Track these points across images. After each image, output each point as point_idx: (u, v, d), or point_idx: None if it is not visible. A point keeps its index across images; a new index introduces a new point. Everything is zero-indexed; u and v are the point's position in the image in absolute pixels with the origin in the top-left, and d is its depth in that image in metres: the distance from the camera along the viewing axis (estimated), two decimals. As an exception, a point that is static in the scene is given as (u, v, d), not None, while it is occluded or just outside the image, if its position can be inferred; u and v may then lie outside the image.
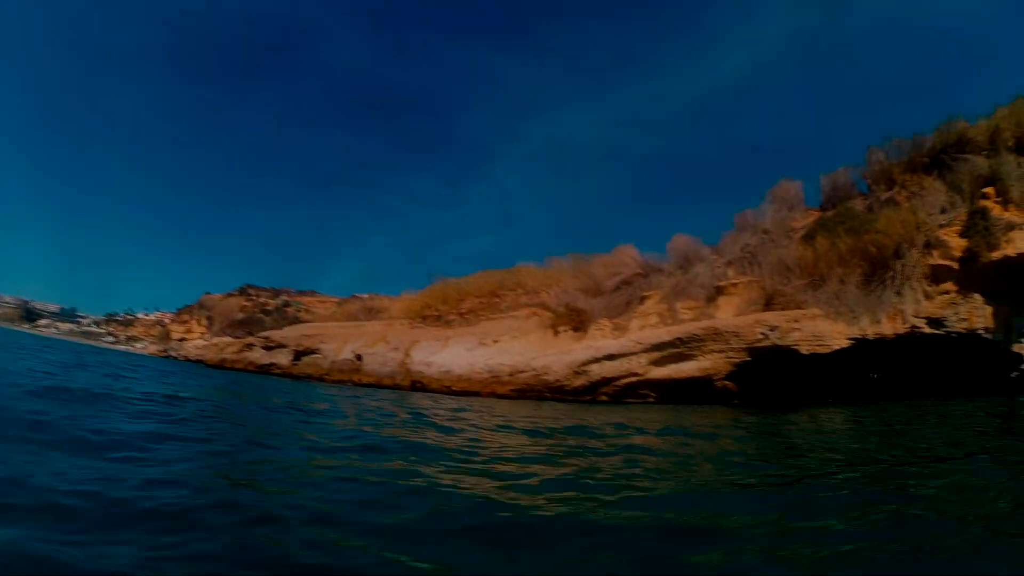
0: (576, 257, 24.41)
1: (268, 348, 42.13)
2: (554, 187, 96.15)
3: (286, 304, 59.24)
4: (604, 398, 19.98)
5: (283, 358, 39.86)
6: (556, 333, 21.31)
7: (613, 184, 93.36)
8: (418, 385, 27.10)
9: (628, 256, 22.19)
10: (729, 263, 19.35)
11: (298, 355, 39.18)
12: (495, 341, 23.08)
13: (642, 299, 20.29)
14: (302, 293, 62.48)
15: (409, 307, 29.02)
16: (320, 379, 34.36)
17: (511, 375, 22.28)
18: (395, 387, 28.42)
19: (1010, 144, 19.89)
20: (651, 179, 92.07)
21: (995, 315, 16.94)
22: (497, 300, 24.18)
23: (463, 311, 25.16)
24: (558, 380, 20.63)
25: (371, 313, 34.78)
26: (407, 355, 28.45)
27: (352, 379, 31.98)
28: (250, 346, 44.82)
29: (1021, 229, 17.34)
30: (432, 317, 27.12)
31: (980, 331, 16.74)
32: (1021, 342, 16.71)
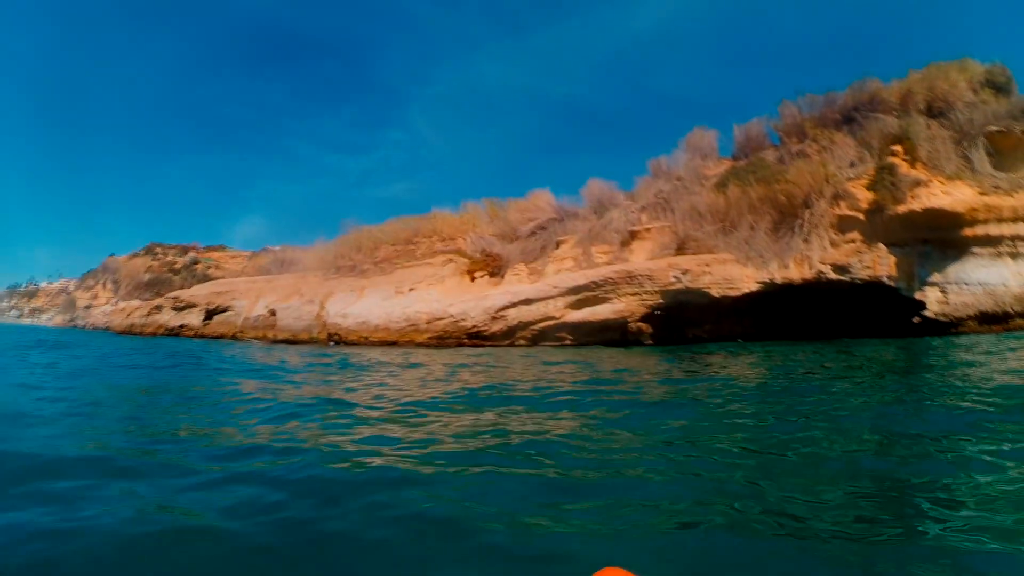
0: (491, 202, 24.11)
1: (178, 309, 39.37)
2: (469, 132, 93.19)
3: (195, 261, 54.75)
4: (522, 342, 20.30)
5: (194, 318, 37.46)
6: (473, 279, 21.16)
7: (528, 130, 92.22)
8: (335, 338, 26.23)
9: (543, 201, 22.16)
10: (643, 208, 19.82)
11: (209, 314, 36.92)
12: (411, 289, 22.58)
13: (557, 244, 20.47)
14: (211, 248, 57.80)
15: (323, 258, 27.63)
16: (234, 337, 32.64)
17: (429, 323, 22.03)
18: (311, 341, 27.39)
19: (921, 107, 21.15)
20: (567, 126, 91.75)
21: (898, 264, 18.29)
22: (412, 247, 23.50)
23: (378, 260, 24.29)
24: (476, 326, 20.66)
25: (284, 266, 32.88)
26: (322, 307, 27.33)
27: (267, 335, 30.48)
28: (159, 308, 41.66)
29: (927, 186, 18.73)
30: (347, 267, 26.01)
31: (884, 279, 18.14)
32: (923, 290, 18.21)
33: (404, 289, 23.16)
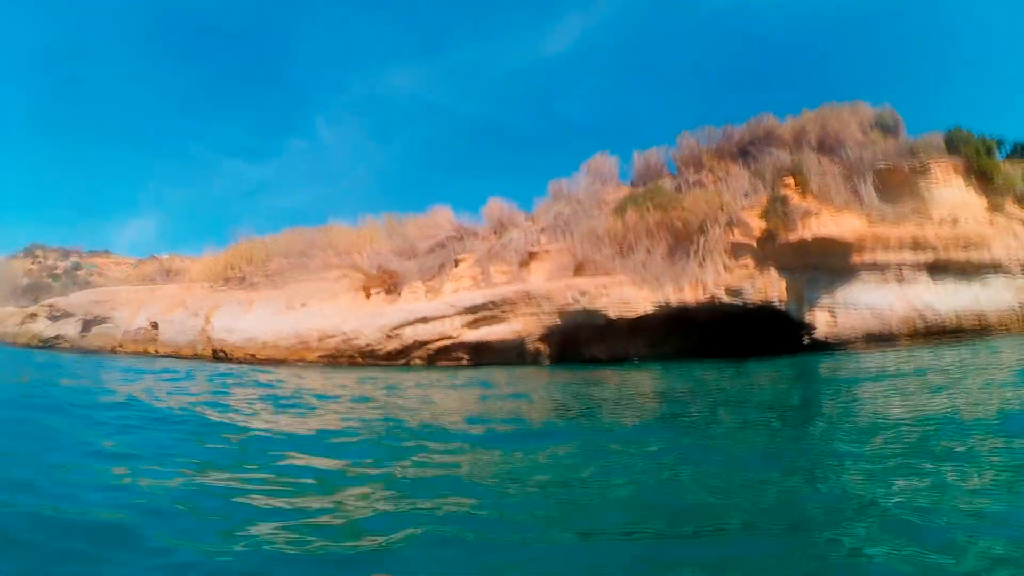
0: (390, 217, 22.90)
1: (54, 318, 35.22)
2: (373, 145, 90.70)
3: (76, 267, 49.42)
4: (418, 361, 18.98)
5: (71, 329, 33.58)
6: (368, 296, 19.71)
7: (433, 147, 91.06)
8: (220, 354, 23.87)
9: (443, 218, 21.20)
10: (542, 230, 19.27)
11: (87, 325, 33.22)
12: (303, 304, 20.79)
13: (456, 262, 19.46)
14: (95, 253, 52.45)
15: (211, 268, 25.24)
16: (113, 351, 29.43)
17: (320, 340, 20.30)
18: (195, 357, 24.83)
19: (813, 143, 22.04)
20: (471, 144, 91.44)
21: (789, 288, 18.72)
22: (306, 260, 21.75)
23: (270, 272, 22.33)
24: (370, 344, 19.16)
25: (169, 275, 29.95)
26: (208, 321, 24.87)
27: (147, 350, 27.55)
28: (33, 316, 37.05)
29: (817, 216, 19.30)
30: (236, 279, 23.80)
31: (775, 302, 18.43)
32: (812, 312, 18.74)
33: (296, 304, 21.32)
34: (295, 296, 21.23)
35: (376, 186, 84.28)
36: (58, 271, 49.83)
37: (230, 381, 12.58)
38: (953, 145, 24.88)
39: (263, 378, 14.07)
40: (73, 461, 4.63)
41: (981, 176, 24.70)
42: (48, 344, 33.98)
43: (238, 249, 24.28)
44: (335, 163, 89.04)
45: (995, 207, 23.42)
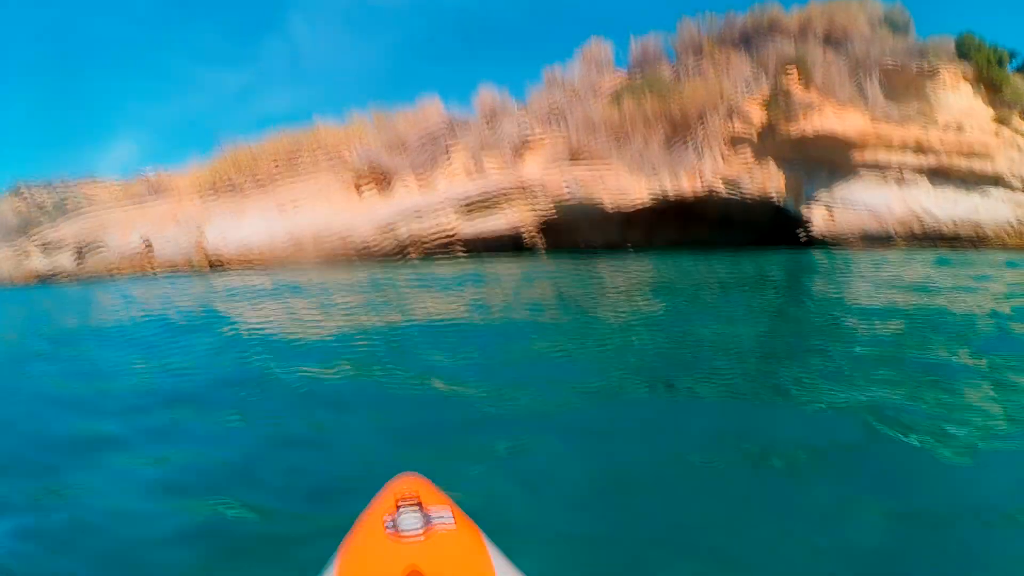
0: (378, 112, 22.13)
1: (47, 252, 34.81)
2: (354, 40, 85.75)
3: (64, 197, 48.49)
4: (414, 256, 18.89)
5: (65, 260, 33.36)
6: (360, 193, 19.39)
7: (419, 37, 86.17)
8: (217, 265, 23.76)
9: (433, 110, 20.58)
10: (536, 118, 18.74)
11: (81, 253, 32.96)
12: (295, 207, 20.50)
13: (448, 154, 19.04)
14: (81, 181, 51.27)
15: (200, 180, 24.71)
16: (110, 275, 29.32)
17: (315, 241, 20.15)
18: (192, 270, 24.73)
19: (819, 36, 21.22)
20: (459, 33, 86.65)
21: (787, 182, 18.45)
22: (295, 163, 21.28)
23: (259, 178, 21.88)
24: (365, 242, 19.02)
25: (159, 192, 29.34)
26: (201, 233, 24.62)
27: (144, 269, 27.43)
28: (27, 254, 36.63)
29: (819, 110, 18.72)
30: (226, 188, 23.37)
31: (772, 195, 18.18)
32: (810, 207, 18.51)
33: (288, 208, 21.05)
34: (286, 199, 20.91)
35: (361, 82, 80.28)
36: (46, 205, 48.98)
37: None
38: (964, 51, 24.08)
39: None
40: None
41: (990, 86, 24.02)
42: (46, 279, 33.74)
43: (225, 159, 23.71)
44: (316, 61, 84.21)
45: (1001, 119, 22.87)
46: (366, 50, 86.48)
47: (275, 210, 21.57)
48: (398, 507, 1.25)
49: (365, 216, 18.75)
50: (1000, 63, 25.89)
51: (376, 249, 18.67)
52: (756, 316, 5.92)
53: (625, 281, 8.34)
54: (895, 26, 21.96)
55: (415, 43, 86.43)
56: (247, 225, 22.49)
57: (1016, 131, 22.63)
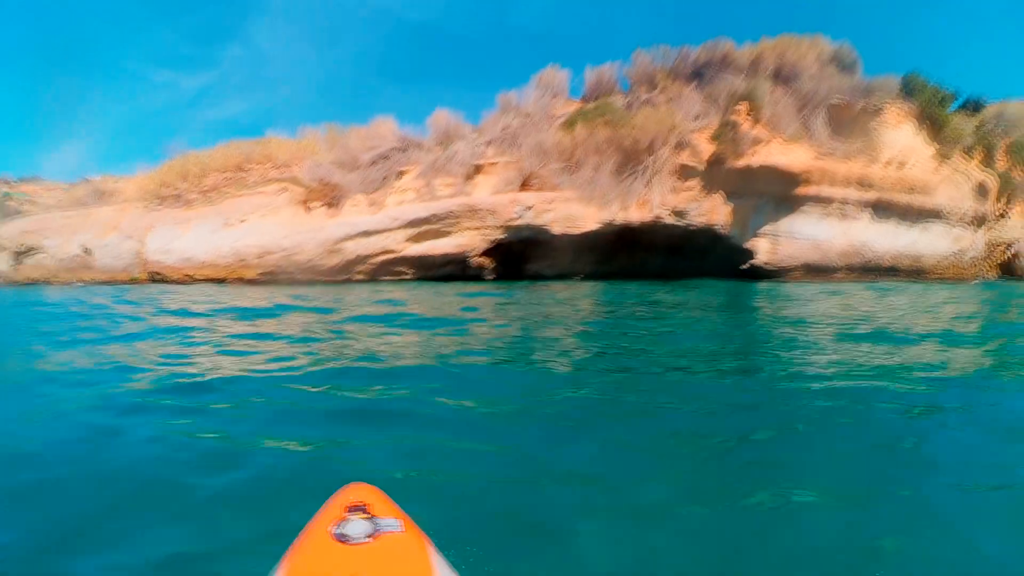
0: (331, 128, 21.73)
1: (-18, 252, 33.02)
2: (314, 52, 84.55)
3: (6, 196, 46.21)
4: (360, 276, 18.47)
5: (2, 263, 31.71)
6: (308, 210, 18.90)
7: (377, 53, 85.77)
8: (157, 277, 22.87)
9: (386, 129, 20.30)
10: (489, 142, 18.64)
11: (19, 256, 31.47)
12: (241, 221, 19.87)
13: (399, 174, 18.76)
14: (24, 181, 48.99)
15: (145, 187, 23.78)
16: (47, 282, 28.03)
17: (260, 257, 19.55)
18: (132, 282, 23.74)
19: (769, 72, 21.82)
20: (418, 52, 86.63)
21: (733, 213, 18.75)
22: (244, 175, 20.66)
23: (205, 189, 21.16)
24: (310, 260, 18.52)
25: (103, 198, 28.18)
26: (143, 243, 23.69)
27: (83, 277, 26.30)
28: None
29: (767, 144, 19.20)
30: (171, 197, 22.53)
31: (718, 226, 18.44)
32: (754, 239, 18.88)
33: (234, 221, 20.38)
34: (233, 212, 20.26)
35: (317, 96, 79.21)
36: (-12, 203, 46.64)
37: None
38: (908, 90, 25.10)
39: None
40: None
41: (932, 124, 25.06)
42: (-18, 283, 32.02)
43: (172, 166, 22.87)
44: (274, 71, 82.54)
45: (942, 156, 23.86)
46: (325, 63, 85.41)
47: (220, 222, 20.87)
48: (346, 514, 1.27)
49: (312, 234, 18.26)
50: (943, 103, 27.08)
51: (321, 268, 18.20)
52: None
53: (556, 309, 8.22)
54: (843, 64, 22.73)
55: (373, 59, 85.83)
56: (191, 237, 21.71)
57: (956, 168, 23.62)
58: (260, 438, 2.84)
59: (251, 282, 19.83)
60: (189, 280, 21.52)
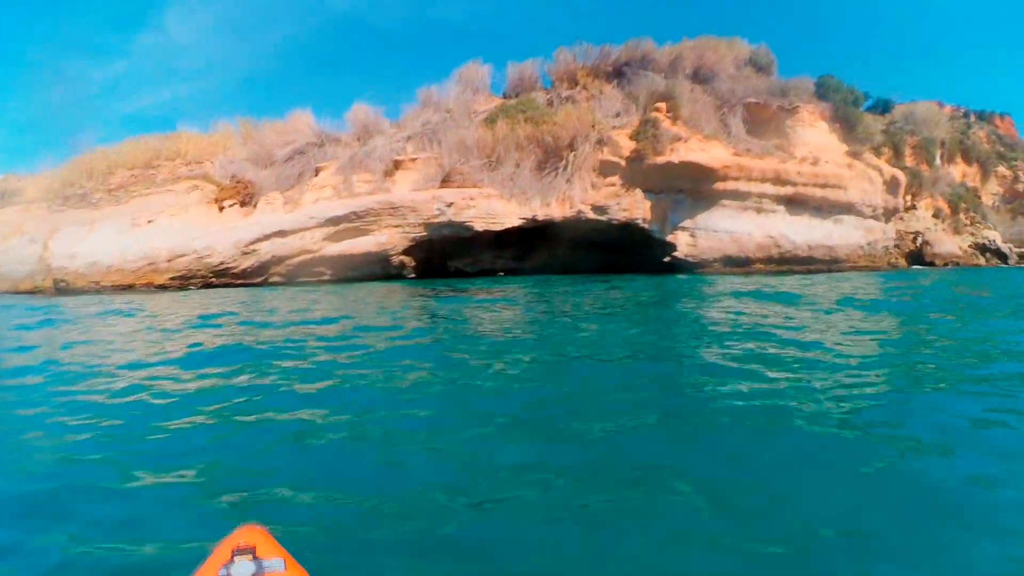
0: (246, 122, 20.89)
1: None
2: (231, 41, 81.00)
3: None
4: (277, 279, 17.80)
5: None
6: (221, 209, 18.09)
7: (296, 44, 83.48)
8: (62, 285, 21.33)
9: (303, 123, 19.66)
10: (409, 138, 18.36)
11: (-91, 264, 28.70)
12: (150, 221, 18.82)
13: (317, 171, 18.21)
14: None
15: (49, 186, 22.20)
16: (-60, 292, 25.67)
17: (170, 260, 18.54)
18: (35, 291, 22.09)
19: (688, 72, 22.35)
20: (338, 44, 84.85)
21: (653, 209, 19.09)
22: (153, 172, 19.57)
23: (113, 187, 19.93)
24: (224, 262, 17.70)
25: (4, 198, 26.20)
26: (46, 248, 22.07)
27: (-21, 287, 24.23)
28: None
29: (685, 142, 19.59)
30: (76, 197, 21.10)
31: (639, 221, 18.75)
32: (675, 233, 19.41)
33: (142, 221, 19.28)
34: (141, 212, 19.15)
35: (234, 89, 75.54)
36: None
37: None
38: (823, 91, 26.37)
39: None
40: None
41: (845, 123, 26.41)
42: None
43: (78, 163, 21.41)
44: (190, 62, 78.03)
45: (854, 154, 25.14)
46: (242, 54, 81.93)
47: (128, 223, 19.69)
48: (232, 557, 1.34)
49: (225, 234, 17.46)
50: (856, 103, 28.64)
51: (236, 270, 17.43)
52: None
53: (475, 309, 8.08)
54: (759, 66, 23.67)
55: (291, 50, 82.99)
56: (97, 239, 20.39)
57: (868, 164, 24.92)
58: None
59: (163, 287, 18.81)
60: (95, 288, 20.22)
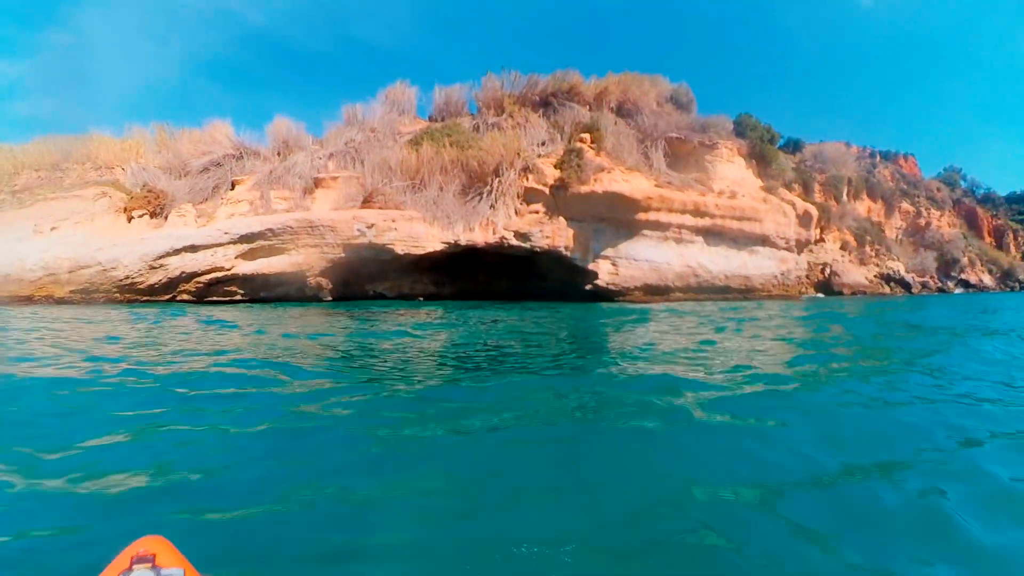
0: (161, 128, 20.19)
1: None
2: (149, 47, 78.34)
3: None
4: (186, 296, 17.18)
5: None
6: (130, 219, 17.34)
7: (217, 55, 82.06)
8: (-48, 292, 19.79)
9: (221, 134, 19.19)
10: (331, 155, 18.25)
11: None
12: (53, 228, 17.81)
13: (233, 184, 17.79)
14: None
15: (-55, 186, 20.59)
16: None
17: (72, 272, 17.58)
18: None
19: (612, 105, 23.27)
20: (260, 58, 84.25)
21: (576, 237, 19.56)
22: (61, 176, 18.58)
23: (17, 188, 18.74)
24: (129, 276, 16.94)
25: None
26: (-65, 252, 20.43)
27: None
28: None
29: (609, 172, 20.28)
30: (-26, 199, 19.68)
31: (562, 249, 19.20)
32: (596, 262, 20.06)
33: (45, 228, 18.22)
34: (45, 218, 18.10)
35: (149, 96, 72.55)
36: None
37: None
38: (740, 128, 28.06)
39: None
40: None
41: (760, 160, 28.20)
42: None
43: (-22, 163, 20.04)
44: (103, 65, 73.80)
45: (769, 189, 26.85)
46: (160, 59, 78.98)
47: (29, 229, 18.56)
48: (131, 566, 1.33)
49: (132, 246, 16.74)
50: (772, 141, 30.59)
51: (142, 285, 16.73)
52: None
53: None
54: (679, 103, 24.99)
55: (212, 60, 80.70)
56: (-7, 246, 19.10)
57: (782, 199, 26.61)
58: None
59: (62, 301, 17.79)
60: (-11, 297, 18.88)
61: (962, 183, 49.08)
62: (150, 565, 1.35)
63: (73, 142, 19.31)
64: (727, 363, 5.48)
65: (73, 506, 2.42)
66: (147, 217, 17.17)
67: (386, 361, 5.78)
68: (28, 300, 18.26)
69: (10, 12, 69.00)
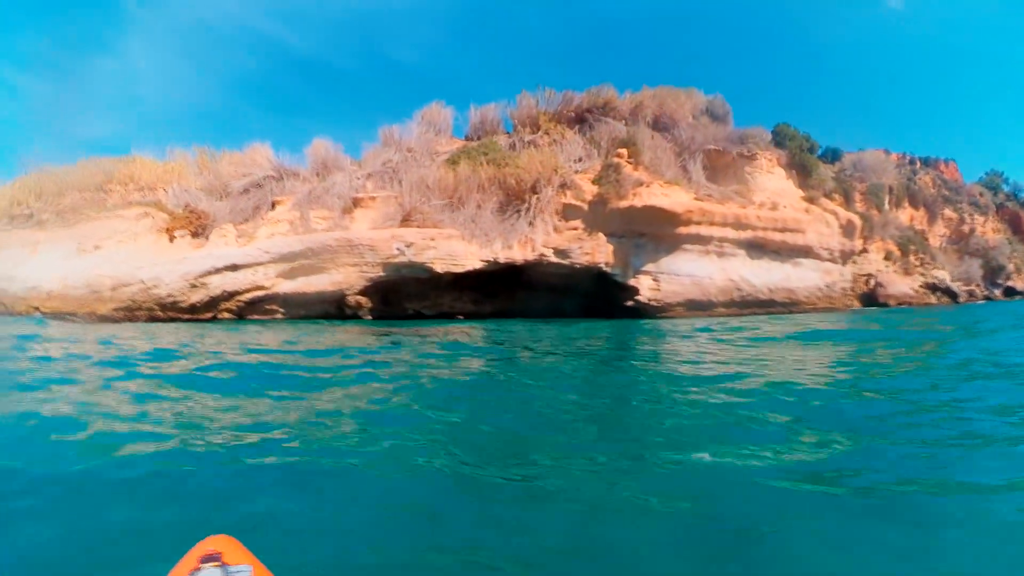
0: (203, 151, 20.40)
1: None
2: (192, 73, 79.54)
3: None
4: (227, 315, 17.22)
5: None
6: (172, 238, 17.50)
7: (258, 81, 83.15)
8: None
9: (261, 156, 19.29)
10: (369, 176, 18.19)
11: None
12: (97, 247, 18.08)
13: (273, 204, 17.83)
14: None
15: (-6, 204, 21.17)
16: None
17: (114, 289, 17.78)
18: (-31, 314, 20.90)
19: (649, 119, 22.88)
20: (299, 83, 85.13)
21: (615, 253, 19.22)
22: (104, 196, 18.91)
23: (62, 209, 19.12)
24: (171, 295, 17.05)
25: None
26: (-14, 270, 20.98)
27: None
28: None
29: (647, 186, 19.89)
30: (22, 217, 20.18)
31: (602, 265, 18.83)
32: (637, 277, 19.65)
33: (88, 246, 18.52)
34: (88, 237, 18.39)
35: (191, 120, 74.45)
36: None
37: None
38: (779, 139, 27.33)
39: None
40: None
41: (800, 170, 27.42)
42: None
43: (26, 181, 20.51)
44: (148, 91, 76.08)
45: (810, 199, 26.08)
46: (202, 83, 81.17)
47: (74, 248, 18.89)
48: (200, 565, 1.36)
49: (174, 265, 16.85)
50: (811, 150, 29.74)
51: (184, 304, 16.81)
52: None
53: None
54: (715, 115, 24.42)
55: (252, 84, 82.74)
56: (38, 263, 19.51)
57: (824, 209, 25.82)
58: None
59: (105, 318, 18.01)
60: (34, 312, 19.27)
61: (1004, 187, 47.18)
62: (218, 563, 1.36)
63: (116, 164, 19.67)
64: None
65: None
66: (189, 237, 17.30)
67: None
68: (71, 315, 18.55)
69: (63, 38, 71.83)
